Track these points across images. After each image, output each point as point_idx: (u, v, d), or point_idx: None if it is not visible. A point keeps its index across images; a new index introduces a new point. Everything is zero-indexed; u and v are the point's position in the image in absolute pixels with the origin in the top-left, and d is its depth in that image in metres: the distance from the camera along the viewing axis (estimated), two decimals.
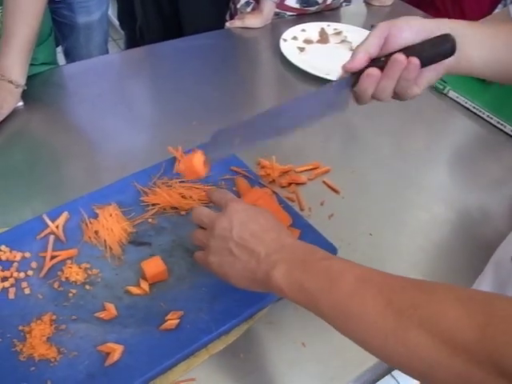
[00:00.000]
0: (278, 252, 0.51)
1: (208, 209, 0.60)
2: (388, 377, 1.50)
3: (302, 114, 0.64)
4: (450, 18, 1.61)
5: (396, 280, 0.44)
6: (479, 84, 1.21)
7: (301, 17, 1.42)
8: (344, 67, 0.59)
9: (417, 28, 0.57)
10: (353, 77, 0.60)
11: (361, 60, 0.58)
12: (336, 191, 0.87)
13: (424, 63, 0.58)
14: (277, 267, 0.49)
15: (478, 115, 1.11)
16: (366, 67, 0.58)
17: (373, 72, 0.57)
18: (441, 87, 1.17)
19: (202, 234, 0.58)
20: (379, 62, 0.59)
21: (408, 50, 0.58)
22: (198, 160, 0.67)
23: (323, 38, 1.32)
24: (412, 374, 0.41)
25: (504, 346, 0.34)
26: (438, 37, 0.57)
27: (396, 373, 1.53)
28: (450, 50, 0.57)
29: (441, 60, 0.58)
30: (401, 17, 0.59)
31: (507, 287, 0.56)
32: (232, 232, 0.54)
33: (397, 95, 0.61)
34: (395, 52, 0.57)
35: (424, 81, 0.60)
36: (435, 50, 0.58)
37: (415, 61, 0.56)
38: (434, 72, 0.59)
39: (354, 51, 0.59)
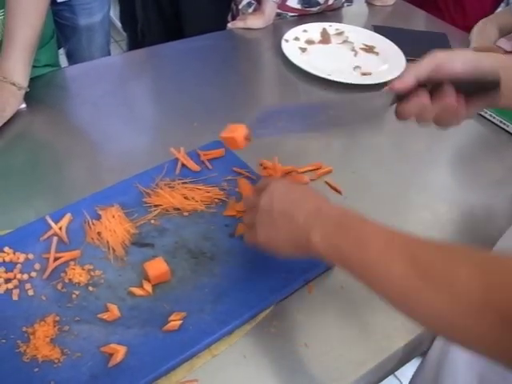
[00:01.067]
0: (315, 216, 0.53)
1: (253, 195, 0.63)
2: (391, 377, 1.50)
3: (341, 114, 0.70)
4: (451, 17, 1.61)
5: (420, 242, 0.47)
6: None
7: (302, 17, 1.42)
8: (392, 86, 0.63)
9: (467, 61, 0.61)
10: (395, 95, 0.63)
11: (409, 82, 0.62)
12: (338, 191, 0.87)
13: (467, 98, 0.61)
14: (314, 231, 0.52)
15: (481, 114, 1.10)
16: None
17: (422, 97, 0.62)
18: None
19: (249, 215, 0.62)
20: (425, 87, 0.62)
21: (454, 83, 0.61)
22: (240, 132, 0.68)
23: (325, 38, 1.32)
24: (432, 330, 0.48)
25: (508, 300, 0.37)
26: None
27: (399, 373, 1.53)
28: (494, 89, 0.60)
29: (483, 96, 0.62)
30: (455, 49, 0.64)
31: None
32: (273, 204, 0.57)
33: (436, 121, 0.65)
34: (441, 82, 0.61)
35: (464, 114, 0.63)
36: (480, 87, 0.61)
37: (462, 102, 0.61)
38: (474, 107, 0.63)
39: (404, 73, 0.63)
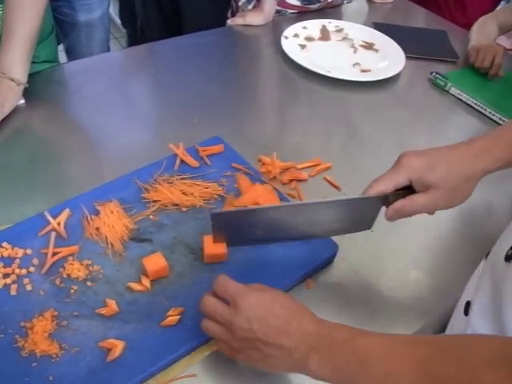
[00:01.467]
0: (305, 342, 0.51)
1: (216, 300, 0.56)
2: None
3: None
4: (451, 14, 1.61)
5: (424, 347, 0.45)
6: (481, 80, 1.21)
7: (302, 14, 1.42)
8: (370, 188, 0.63)
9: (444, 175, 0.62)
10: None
11: (387, 190, 0.63)
12: (337, 188, 0.87)
13: None
14: (310, 359, 0.50)
15: (480, 112, 1.11)
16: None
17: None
18: (442, 84, 1.17)
19: (219, 332, 0.56)
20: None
21: None
22: (220, 248, 0.69)
23: (324, 35, 1.32)
24: None
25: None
26: None
27: None
28: None
29: None
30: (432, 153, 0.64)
31: (501, 288, 0.56)
32: (255, 333, 0.52)
33: None
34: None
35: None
36: None
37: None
38: None
39: (382, 181, 0.63)
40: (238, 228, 0.64)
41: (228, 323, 0.54)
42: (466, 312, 0.61)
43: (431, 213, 0.66)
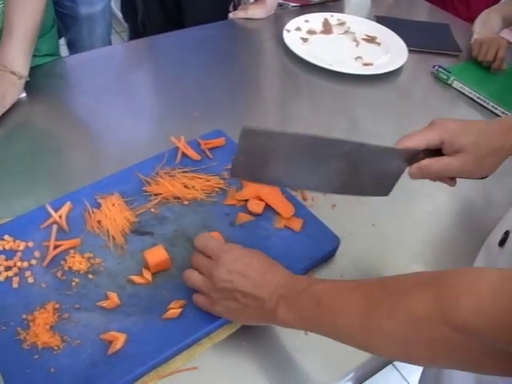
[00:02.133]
0: (276, 292, 0.55)
1: (200, 255, 0.61)
2: (390, 367, 1.51)
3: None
4: (455, 8, 1.60)
5: (367, 286, 0.51)
6: (484, 74, 1.21)
7: (304, 8, 1.41)
8: (401, 143, 0.63)
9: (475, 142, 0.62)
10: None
11: (418, 146, 0.63)
12: None
13: None
14: (278, 308, 0.55)
15: (483, 105, 1.10)
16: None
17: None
18: (445, 77, 1.16)
19: (201, 282, 0.60)
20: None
21: None
22: None
23: (326, 28, 1.32)
24: (394, 358, 0.51)
25: (451, 309, 0.41)
26: None
27: (398, 364, 1.54)
28: None
29: None
30: (469, 122, 0.64)
31: None
32: (234, 283, 0.57)
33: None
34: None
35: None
36: None
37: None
38: None
39: (415, 135, 0.63)
40: (262, 152, 0.59)
41: (209, 274, 0.59)
42: None
43: (452, 182, 0.67)
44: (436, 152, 0.63)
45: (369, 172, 0.64)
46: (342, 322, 0.50)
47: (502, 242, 0.59)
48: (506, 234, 0.59)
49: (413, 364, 0.49)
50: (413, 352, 0.46)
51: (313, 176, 0.64)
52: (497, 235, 0.61)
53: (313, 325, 0.54)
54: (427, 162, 0.63)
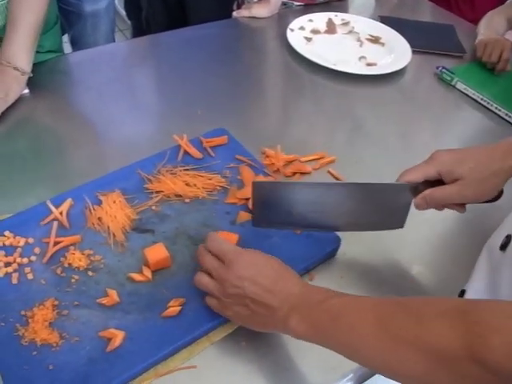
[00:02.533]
0: (288, 301, 0.55)
1: (212, 256, 0.60)
2: None
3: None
4: (459, 9, 1.59)
5: (387, 305, 0.49)
6: (488, 75, 1.20)
7: (308, 7, 1.41)
8: (402, 177, 0.67)
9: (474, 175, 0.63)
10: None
11: (417, 180, 0.66)
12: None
13: None
14: (291, 317, 0.54)
15: (487, 107, 1.09)
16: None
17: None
18: (448, 79, 1.16)
19: (212, 286, 0.59)
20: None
21: None
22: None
23: (330, 28, 1.31)
24: None
25: (482, 347, 0.39)
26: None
27: None
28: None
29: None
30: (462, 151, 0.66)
31: (497, 275, 0.57)
32: (245, 290, 0.56)
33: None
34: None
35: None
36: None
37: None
38: None
39: (413, 170, 0.66)
40: (275, 203, 0.65)
41: (221, 279, 0.58)
42: None
43: (461, 209, 0.68)
44: (439, 182, 0.66)
45: (378, 208, 0.68)
46: (359, 341, 0.49)
47: (504, 247, 0.59)
48: (508, 238, 0.59)
49: None
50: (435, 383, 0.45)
51: (325, 218, 0.68)
52: (498, 238, 0.61)
53: (327, 339, 0.52)
54: (429, 191, 0.65)
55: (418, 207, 0.67)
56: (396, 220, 0.69)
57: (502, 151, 0.64)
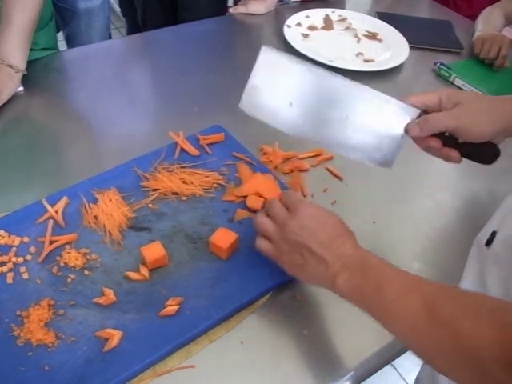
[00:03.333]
0: (341, 260, 0.56)
1: (280, 205, 0.62)
2: (388, 366, 1.50)
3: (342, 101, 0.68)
4: (456, 5, 1.58)
5: (434, 289, 0.49)
6: (486, 71, 1.20)
7: (305, 3, 1.40)
8: (411, 130, 0.66)
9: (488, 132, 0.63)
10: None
11: (429, 133, 0.65)
12: (339, 178, 0.85)
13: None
14: (340, 275, 0.55)
15: None
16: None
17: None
18: (446, 75, 1.15)
19: (272, 229, 0.61)
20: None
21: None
22: (227, 241, 0.68)
23: (327, 24, 1.30)
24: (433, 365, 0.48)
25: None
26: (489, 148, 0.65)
27: (396, 363, 1.53)
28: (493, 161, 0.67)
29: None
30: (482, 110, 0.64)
31: (484, 272, 0.58)
32: (304, 239, 0.58)
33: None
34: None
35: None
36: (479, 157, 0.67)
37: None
38: None
39: (431, 121, 0.64)
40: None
41: (283, 224, 0.60)
42: None
43: (456, 157, 0.66)
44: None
45: (368, 123, 0.66)
46: (397, 315, 0.49)
47: (489, 243, 0.58)
48: (493, 234, 0.59)
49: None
50: (456, 373, 0.45)
51: (315, 123, 0.67)
52: (485, 235, 0.61)
53: (367, 304, 0.53)
54: (423, 117, 0.65)
55: (410, 131, 0.66)
56: (386, 156, 0.68)
57: (502, 98, 0.66)
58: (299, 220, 0.59)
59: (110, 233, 0.69)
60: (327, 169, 0.87)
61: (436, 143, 0.65)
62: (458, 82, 1.13)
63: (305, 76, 0.66)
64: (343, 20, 1.33)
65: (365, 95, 0.67)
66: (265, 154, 0.86)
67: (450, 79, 1.15)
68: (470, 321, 0.43)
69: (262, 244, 0.63)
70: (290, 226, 0.59)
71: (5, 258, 0.65)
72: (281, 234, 0.60)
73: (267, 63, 0.67)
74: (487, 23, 1.27)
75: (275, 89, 0.68)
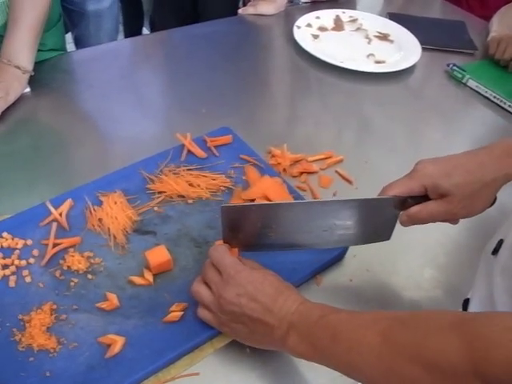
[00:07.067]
0: (287, 320, 0.53)
1: (214, 269, 0.58)
2: None
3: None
4: (469, 6, 1.55)
5: (386, 320, 0.47)
6: (500, 73, 1.17)
7: (315, 4, 1.38)
8: (385, 190, 0.62)
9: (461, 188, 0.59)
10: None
11: (402, 194, 0.61)
12: (349, 181, 0.84)
13: None
14: (289, 337, 0.52)
15: (499, 105, 1.07)
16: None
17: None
18: (459, 76, 1.13)
19: (209, 299, 0.57)
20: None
21: None
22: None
23: (338, 25, 1.29)
24: None
25: (484, 362, 0.37)
26: None
27: None
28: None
29: None
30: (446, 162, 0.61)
31: (491, 279, 0.55)
32: (242, 308, 0.54)
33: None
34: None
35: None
36: None
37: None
38: None
39: (397, 184, 0.61)
40: (248, 226, 0.60)
41: (218, 294, 0.56)
42: (465, 309, 0.61)
43: (453, 221, 0.64)
44: (426, 196, 0.61)
45: (363, 224, 0.63)
46: (359, 359, 0.47)
47: (495, 251, 0.56)
48: (500, 242, 0.57)
49: None
50: None
51: (305, 236, 0.63)
52: (493, 243, 0.59)
53: (327, 358, 0.50)
54: (414, 210, 0.60)
55: (403, 224, 0.62)
56: (382, 233, 0.65)
57: (495, 157, 0.59)
58: (234, 288, 0.55)
59: (114, 236, 0.68)
60: (337, 172, 0.85)
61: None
62: (472, 83, 1.11)
63: None
64: (354, 21, 1.31)
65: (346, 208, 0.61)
66: (273, 156, 0.85)
67: (463, 81, 1.12)
68: (435, 337, 0.42)
69: (202, 314, 0.59)
70: (226, 297, 0.55)
71: (8, 261, 0.64)
72: (217, 306, 0.56)
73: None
74: (503, 23, 1.25)
75: None
